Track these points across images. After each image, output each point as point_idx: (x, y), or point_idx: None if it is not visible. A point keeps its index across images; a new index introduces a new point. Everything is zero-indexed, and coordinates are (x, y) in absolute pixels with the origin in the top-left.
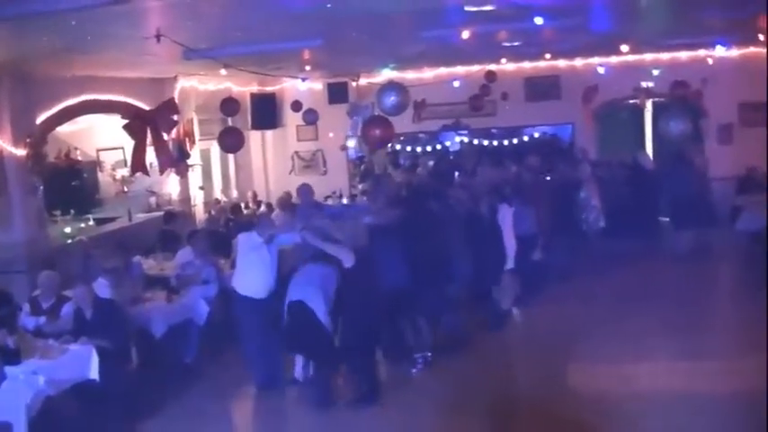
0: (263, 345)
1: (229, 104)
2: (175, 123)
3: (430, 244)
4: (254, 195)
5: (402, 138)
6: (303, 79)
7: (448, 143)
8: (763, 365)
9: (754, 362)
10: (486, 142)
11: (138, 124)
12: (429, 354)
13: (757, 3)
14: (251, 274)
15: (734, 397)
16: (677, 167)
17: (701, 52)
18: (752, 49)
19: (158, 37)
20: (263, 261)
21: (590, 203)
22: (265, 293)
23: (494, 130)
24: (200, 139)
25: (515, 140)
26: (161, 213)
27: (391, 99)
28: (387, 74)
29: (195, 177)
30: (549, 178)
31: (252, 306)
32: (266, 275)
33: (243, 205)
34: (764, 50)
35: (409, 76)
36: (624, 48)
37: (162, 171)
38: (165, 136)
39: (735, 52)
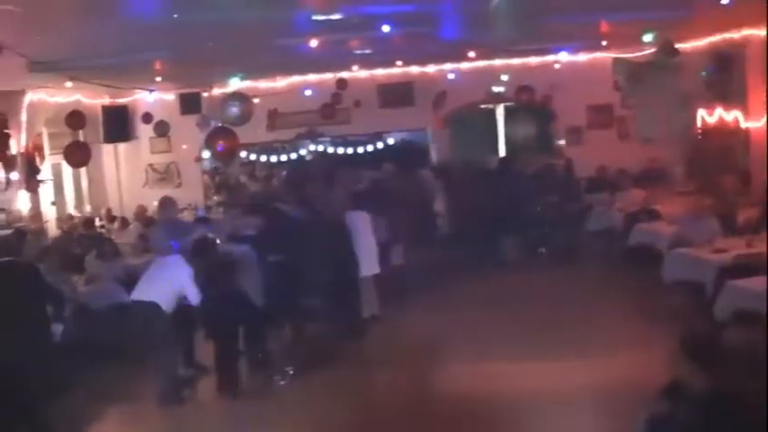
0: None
1: (75, 118)
2: (7, 137)
3: (284, 254)
4: (109, 210)
5: (257, 147)
6: (150, 91)
7: (304, 152)
8: (621, 362)
9: (611, 359)
10: (341, 150)
11: None
12: (291, 367)
13: (600, 10)
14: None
15: (590, 393)
16: (498, 174)
17: (550, 57)
18: (597, 55)
19: (0, 49)
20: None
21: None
22: None
23: (351, 138)
24: (51, 154)
25: (370, 148)
26: (10, 231)
27: (234, 110)
28: (236, 84)
29: (47, 192)
30: (401, 185)
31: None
32: None
33: (97, 220)
34: (608, 55)
35: (262, 85)
36: (471, 54)
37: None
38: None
39: (582, 57)
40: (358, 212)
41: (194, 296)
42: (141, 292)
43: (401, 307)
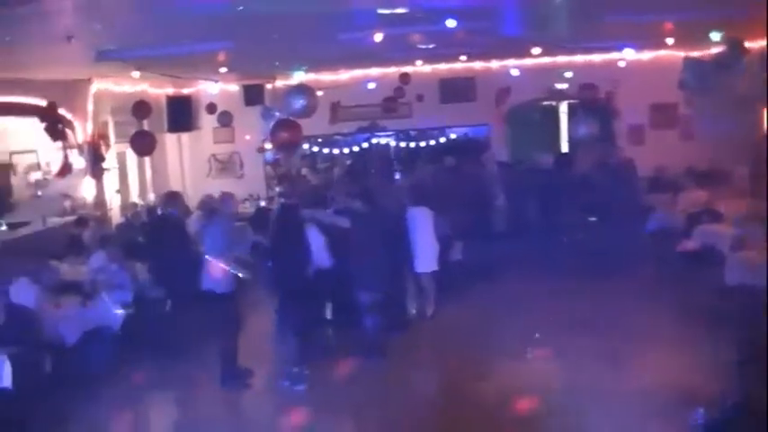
0: None
1: (140, 107)
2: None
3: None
4: None
5: (319, 140)
6: (215, 81)
7: (365, 145)
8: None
9: (666, 361)
10: (403, 144)
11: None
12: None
13: (666, 10)
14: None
15: (642, 394)
16: (556, 171)
17: (615, 55)
18: (662, 53)
19: (69, 38)
20: None
21: (496, 205)
22: None
23: (412, 132)
24: (116, 142)
25: (433, 142)
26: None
27: (298, 102)
28: (300, 76)
29: (111, 180)
30: (462, 179)
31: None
32: None
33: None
34: (673, 53)
35: (325, 77)
36: (535, 50)
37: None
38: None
39: (646, 55)
40: (419, 208)
41: (327, 260)
42: None
43: (459, 304)
